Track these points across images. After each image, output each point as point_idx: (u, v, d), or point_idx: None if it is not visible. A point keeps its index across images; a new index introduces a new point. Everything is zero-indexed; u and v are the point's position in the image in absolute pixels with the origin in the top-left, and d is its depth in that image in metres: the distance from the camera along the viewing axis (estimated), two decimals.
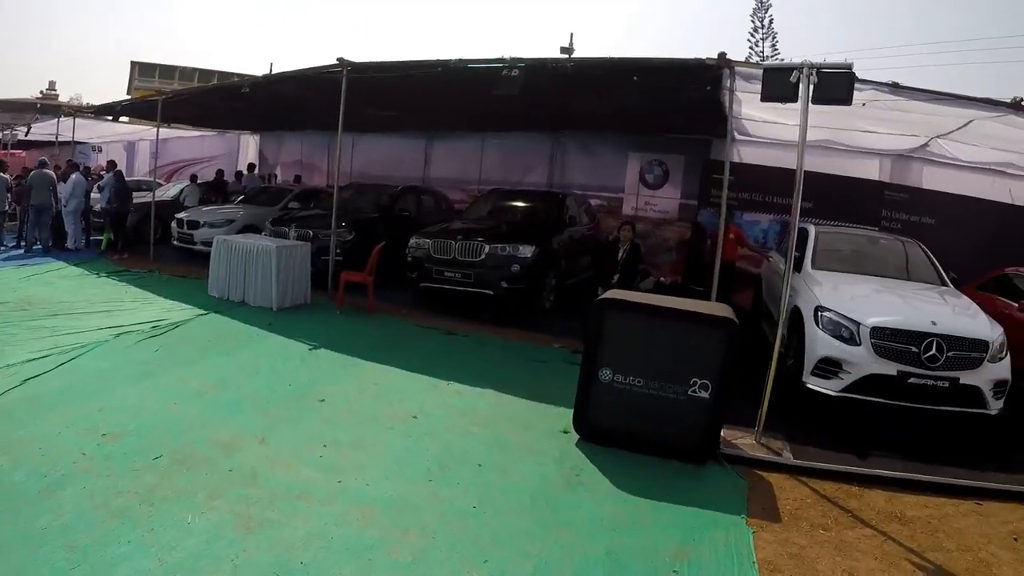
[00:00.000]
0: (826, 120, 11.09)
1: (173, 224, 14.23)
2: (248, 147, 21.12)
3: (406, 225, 12.65)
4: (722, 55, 7.76)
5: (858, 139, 12.28)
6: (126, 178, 14.91)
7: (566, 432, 5.93)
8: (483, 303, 10.31)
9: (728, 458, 5.64)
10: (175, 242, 14.13)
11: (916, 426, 6.75)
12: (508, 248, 10.07)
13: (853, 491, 5.30)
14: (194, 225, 13.76)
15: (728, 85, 8.25)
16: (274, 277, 9.65)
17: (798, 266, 8.56)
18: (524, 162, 15.70)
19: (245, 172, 18.93)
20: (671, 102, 10.79)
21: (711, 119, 11.94)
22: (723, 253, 10.87)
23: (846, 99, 5.96)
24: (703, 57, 7.89)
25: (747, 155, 13.80)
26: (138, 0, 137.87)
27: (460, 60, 9.33)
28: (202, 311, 9.31)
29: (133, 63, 56.13)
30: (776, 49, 45.41)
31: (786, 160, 13.36)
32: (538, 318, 10.40)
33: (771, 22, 45.60)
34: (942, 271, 8.70)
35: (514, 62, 8.88)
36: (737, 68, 7.83)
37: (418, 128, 16.57)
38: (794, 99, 6.10)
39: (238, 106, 14.00)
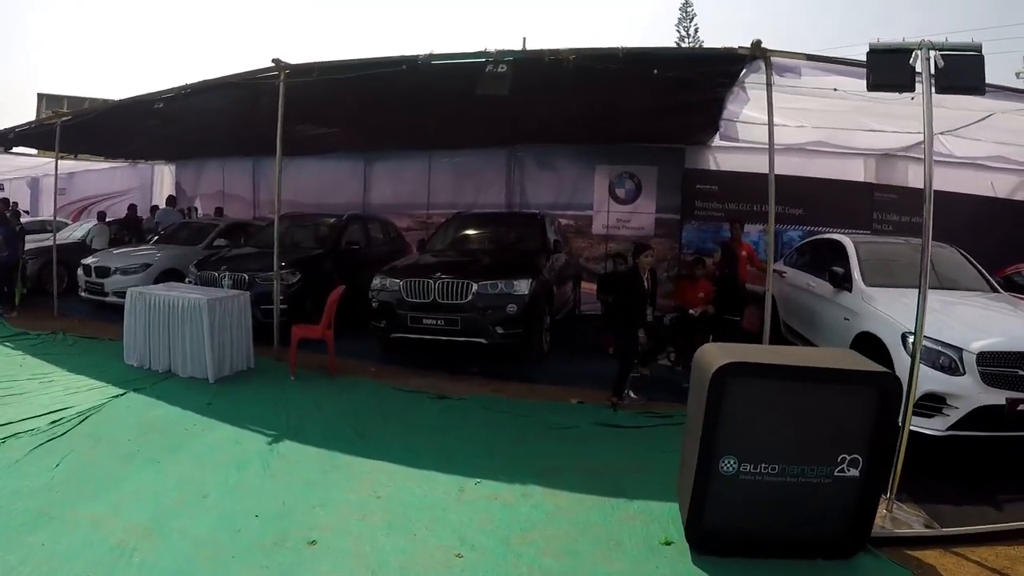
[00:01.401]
0: (827, 119, 9.84)
1: (79, 271, 11.61)
2: (163, 178, 18.14)
3: (356, 261, 10.55)
4: (756, 43, 6.34)
5: (846, 138, 11.06)
6: (28, 218, 12.81)
7: (669, 543, 4.11)
8: (469, 352, 8.26)
9: (874, 541, 4.17)
10: (83, 293, 11.53)
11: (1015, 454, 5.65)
12: (501, 285, 8.05)
13: (1014, 553, 4.18)
14: (104, 272, 11.17)
15: (743, 80, 7.30)
16: (208, 339, 7.31)
17: (838, 283, 7.54)
18: (477, 182, 13.60)
19: (161, 206, 15.90)
20: (671, 103, 9.11)
21: (701, 122, 10.44)
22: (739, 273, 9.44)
23: (978, 87, 4.76)
24: (734, 46, 6.47)
25: (725, 162, 12.37)
26: (44, 29, 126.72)
27: (432, 56, 7.33)
28: (118, 390, 6.90)
29: (40, 95, 50.66)
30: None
31: (766, 166, 12.14)
32: (534, 364, 8.48)
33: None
34: (988, 276, 7.72)
35: (501, 56, 6.88)
36: (773, 58, 6.42)
37: (355, 148, 14.28)
38: (911, 87, 4.80)
39: (152, 128, 11.48)
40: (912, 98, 7.43)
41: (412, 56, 7.31)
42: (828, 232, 10.55)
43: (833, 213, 11.72)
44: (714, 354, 4.16)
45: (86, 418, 6.08)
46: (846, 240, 8.39)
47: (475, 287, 8.01)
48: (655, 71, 6.93)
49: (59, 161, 12.15)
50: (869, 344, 6.32)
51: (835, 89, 7.05)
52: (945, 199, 11.78)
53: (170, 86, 9.01)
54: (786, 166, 11.98)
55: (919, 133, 10.47)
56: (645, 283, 7.48)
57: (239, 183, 16.20)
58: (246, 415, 6.29)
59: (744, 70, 7.13)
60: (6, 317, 10.82)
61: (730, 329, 8.32)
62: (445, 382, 7.73)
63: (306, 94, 8.54)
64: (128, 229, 14.74)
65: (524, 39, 7.20)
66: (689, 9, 44.58)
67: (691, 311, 8.33)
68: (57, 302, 11.37)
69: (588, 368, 8.38)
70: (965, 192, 11.76)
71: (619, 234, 12.65)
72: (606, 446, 5.89)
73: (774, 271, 9.82)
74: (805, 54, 6.48)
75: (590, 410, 6.81)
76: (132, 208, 15.80)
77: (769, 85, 6.58)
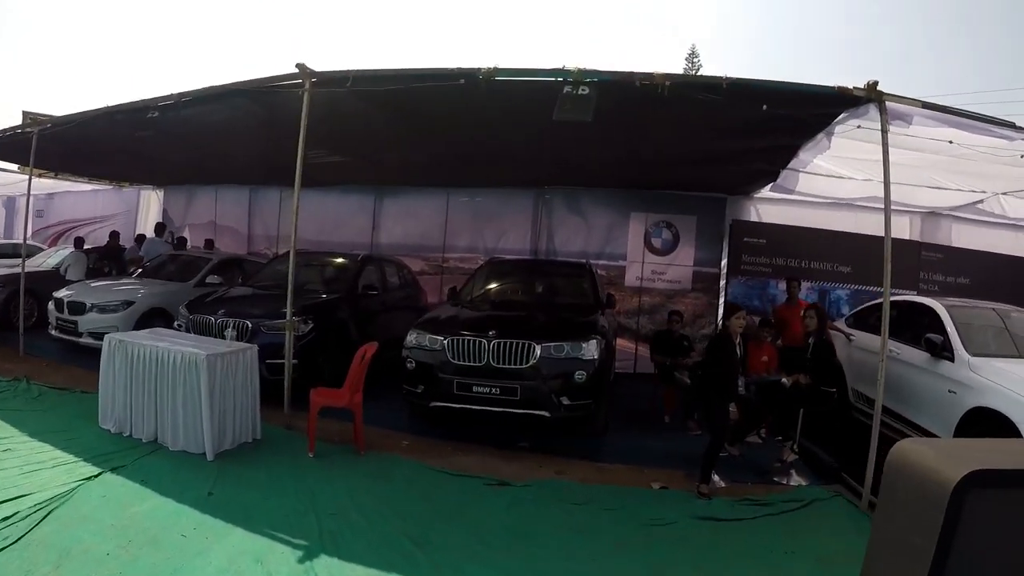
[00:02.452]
0: (895, 173, 8.79)
1: (51, 306, 9.79)
2: (150, 204, 16.08)
3: (373, 309, 9.01)
4: (872, 85, 5.57)
5: (901, 194, 9.97)
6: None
7: None
8: (520, 423, 6.70)
9: None
10: (53, 331, 9.69)
11: None
12: (567, 347, 6.53)
13: None
14: (78, 308, 9.36)
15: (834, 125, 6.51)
16: (206, 405, 5.64)
17: (936, 351, 6.85)
18: (500, 224, 12.09)
19: (150, 235, 13.61)
20: (737, 147, 7.92)
21: (760, 170, 9.19)
22: (797, 335, 8.25)
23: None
24: (849, 86, 5.61)
25: (767, 214, 11.25)
26: (33, 44, 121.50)
27: (497, 70, 5.92)
28: (92, 468, 5.17)
29: (25, 113, 47.64)
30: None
31: (813, 219, 11.03)
32: (586, 436, 7.04)
33: None
34: None
35: (582, 76, 5.61)
36: (888, 103, 5.64)
37: (365, 180, 12.49)
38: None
39: (142, 144, 9.79)
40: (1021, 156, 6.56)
41: (472, 69, 5.94)
42: (877, 289, 9.87)
43: (879, 271, 10.57)
44: (930, 455, 2.71)
45: (49, 513, 4.36)
46: (936, 304, 7.60)
47: (538, 350, 6.46)
48: (764, 107, 5.89)
49: (38, 179, 10.52)
50: (985, 420, 5.85)
51: (951, 142, 6.46)
52: (1001, 262, 11.07)
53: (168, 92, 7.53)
54: (832, 221, 11.02)
55: (973, 192, 9.73)
56: (738, 349, 6.14)
57: (232, 214, 14.38)
58: (262, 513, 4.63)
59: (844, 114, 6.18)
60: None
61: (826, 403, 6.95)
62: (496, 461, 6.24)
63: (326, 112, 7.11)
64: (108, 259, 12.86)
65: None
66: (695, 60, 44.31)
67: (784, 380, 6.96)
68: (23, 339, 9.56)
69: (650, 440, 7.29)
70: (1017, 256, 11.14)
71: (654, 287, 11.29)
72: (719, 550, 4.70)
73: (838, 331, 8.67)
74: (921, 101, 5.71)
75: (678, 498, 5.58)
76: (114, 235, 13.85)
77: (884, 132, 5.75)
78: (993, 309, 7.56)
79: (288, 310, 6.93)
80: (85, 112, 8.44)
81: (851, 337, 8.77)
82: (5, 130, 9.94)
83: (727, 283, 10.99)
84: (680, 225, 11.39)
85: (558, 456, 6.46)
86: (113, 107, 8.06)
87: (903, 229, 11.24)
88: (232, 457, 5.79)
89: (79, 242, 13.19)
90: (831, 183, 9.37)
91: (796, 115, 6.22)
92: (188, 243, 13.45)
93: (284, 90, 6.82)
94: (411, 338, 6.94)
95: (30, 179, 10.33)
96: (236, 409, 6.03)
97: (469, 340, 6.59)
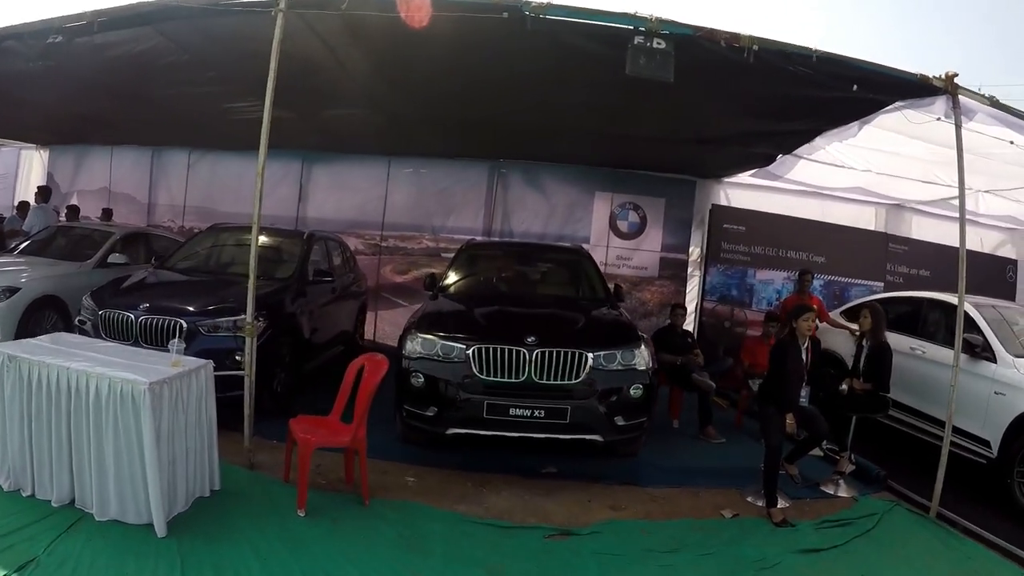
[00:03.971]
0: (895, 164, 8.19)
1: None
2: (31, 166, 12.69)
3: (323, 300, 7.19)
4: (951, 76, 4.96)
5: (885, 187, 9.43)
6: None
7: None
8: (538, 444, 5.13)
9: None
10: None
11: None
12: (619, 356, 5.12)
13: None
14: None
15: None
16: (152, 456, 3.70)
17: (976, 353, 6.22)
18: (449, 200, 10.29)
19: (33, 203, 10.58)
20: (775, 126, 6.89)
21: (755, 154, 8.40)
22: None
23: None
24: (929, 74, 4.97)
25: (736, 199, 10.26)
26: None
27: (548, 6, 4.37)
28: None
29: None
30: None
31: (781, 206, 10.18)
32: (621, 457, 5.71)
33: None
34: None
35: (658, 26, 4.38)
36: (962, 96, 5.02)
37: (291, 143, 9.76)
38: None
39: (34, 82, 7.21)
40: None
41: (517, 2, 4.38)
42: (847, 280, 10.07)
43: (850, 262, 10.13)
44: None
45: None
46: (966, 303, 6.57)
47: (590, 360, 4.98)
48: (855, 87, 4.97)
49: None
50: None
51: (1011, 142, 6.00)
52: (951, 254, 10.64)
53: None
54: (799, 208, 10.18)
55: (949, 187, 9.18)
56: (804, 355, 5.12)
57: (130, 179, 11.54)
58: None
59: (901, 103, 5.42)
60: None
61: (882, 409, 5.93)
62: (536, 498, 4.82)
63: (284, 48, 5.16)
64: None
65: None
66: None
67: (842, 387, 5.92)
68: None
69: (676, 453, 6.22)
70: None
71: (619, 273, 9.93)
72: None
73: (841, 327, 7.77)
74: (990, 99, 5.10)
75: (759, 528, 4.70)
76: None
77: (958, 127, 5.11)
78: (1015, 308, 7.28)
79: (249, 306, 4.94)
80: None
81: (855, 332, 7.90)
82: None
83: (704, 271, 9.92)
84: (648, 208, 10.14)
85: (593, 482, 5.21)
86: (1, 30, 5.70)
87: (870, 220, 10.68)
88: (192, 526, 3.84)
89: None
90: (824, 171, 8.52)
91: (853, 97, 5.19)
92: (80, 213, 10.58)
93: (248, 10, 4.84)
94: (414, 345, 5.19)
95: None
96: (189, 453, 4.10)
97: (502, 350, 4.97)
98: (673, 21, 4.44)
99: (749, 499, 5.15)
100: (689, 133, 7.68)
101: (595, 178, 10.11)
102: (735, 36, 4.51)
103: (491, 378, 4.95)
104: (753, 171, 9.24)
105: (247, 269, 6.78)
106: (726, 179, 10.16)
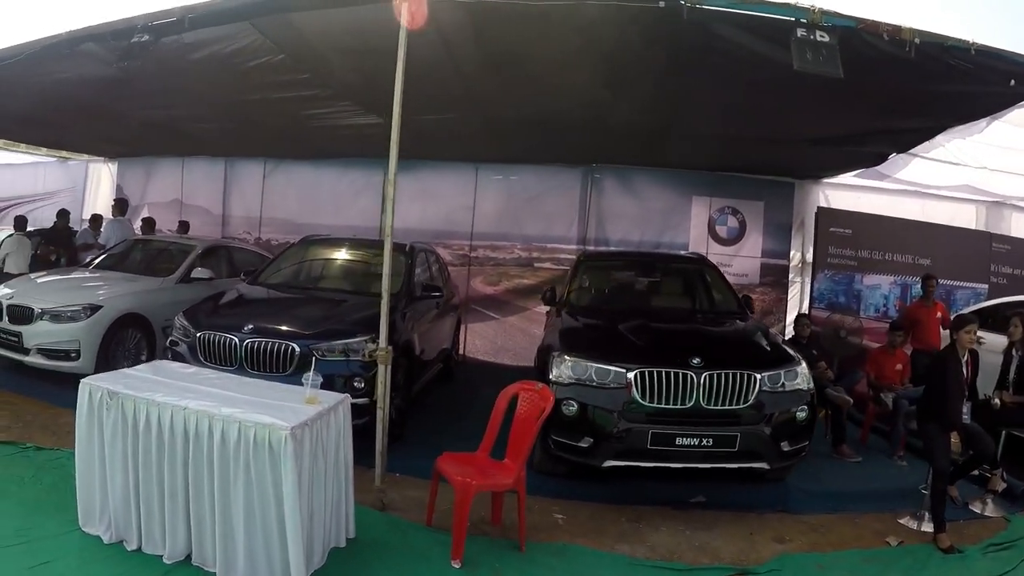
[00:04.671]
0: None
1: None
2: (99, 179, 12.22)
3: (429, 319, 6.58)
4: None
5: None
6: None
7: None
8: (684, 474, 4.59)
9: None
10: None
11: None
12: (783, 376, 4.58)
13: None
14: (21, 315, 6.21)
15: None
16: (293, 513, 3.06)
17: None
18: (540, 207, 9.52)
19: (109, 216, 10.03)
20: (902, 123, 6.32)
21: (865, 154, 7.70)
22: (931, 339, 7.16)
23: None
24: None
25: (835, 201, 9.53)
26: None
27: None
28: None
29: None
30: None
31: (881, 205, 9.46)
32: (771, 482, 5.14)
33: None
34: None
35: (820, 18, 3.97)
36: None
37: (372, 152, 8.62)
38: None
39: (107, 86, 6.51)
40: None
41: None
42: (952, 283, 9.06)
43: (954, 264, 9.18)
44: None
45: None
46: None
47: (758, 381, 4.43)
48: (1012, 82, 4.49)
49: None
50: None
51: None
52: None
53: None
54: (902, 209, 9.41)
55: None
56: (965, 369, 4.68)
57: (203, 191, 11.01)
58: None
59: None
60: None
61: None
62: (699, 533, 4.30)
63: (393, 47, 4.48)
64: (56, 244, 9.31)
65: None
66: None
67: (994, 401, 5.32)
68: None
69: (812, 472, 5.47)
70: None
71: None
72: None
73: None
74: None
75: (929, 556, 4.19)
76: (63, 215, 9.90)
77: None
78: None
79: (383, 328, 4.26)
80: (36, 41, 5.48)
81: (981, 340, 7.06)
82: None
83: (812, 278, 9.13)
84: (747, 212, 9.37)
85: (745, 511, 4.69)
86: (80, 32, 5.16)
87: (969, 218, 9.77)
88: None
89: (20, 222, 9.25)
90: (933, 169, 7.82)
91: (999, 92, 4.72)
92: (156, 226, 10.05)
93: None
94: (563, 369, 4.58)
95: None
96: (327, 501, 3.48)
97: (667, 373, 4.40)
98: (835, 13, 4.02)
99: (902, 521, 4.68)
100: (806, 132, 7.02)
101: (692, 182, 9.37)
102: (897, 28, 4.10)
103: (655, 405, 4.38)
104: (858, 171, 8.60)
105: (349, 284, 6.39)
106: (825, 180, 9.40)
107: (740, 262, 9.28)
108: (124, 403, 3.40)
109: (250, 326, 5.00)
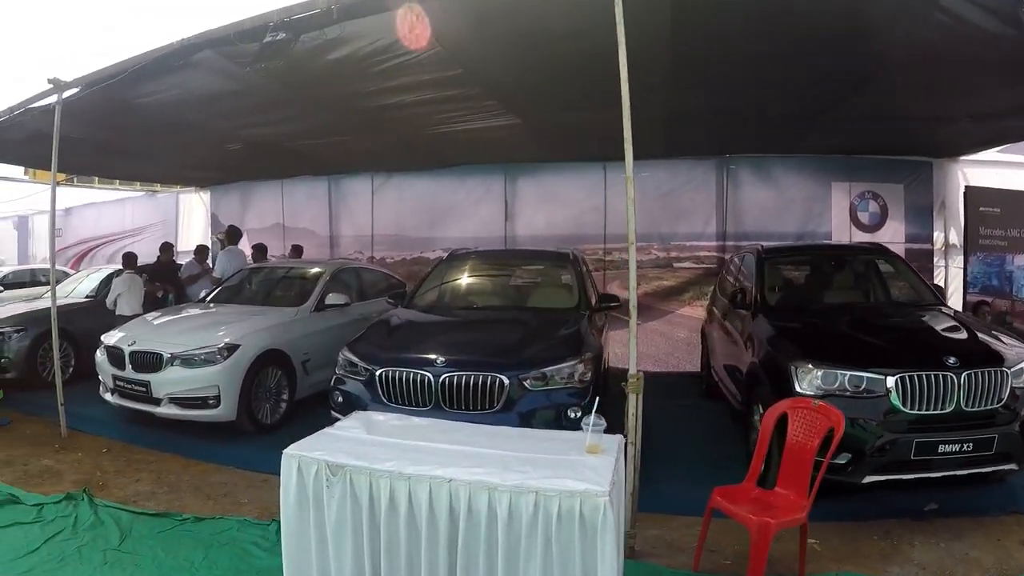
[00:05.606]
0: None
1: (100, 357, 6.04)
2: (191, 209, 11.71)
3: (602, 326, 5.85)
4: None
5: None
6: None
7: None
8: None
9: None
10: (108, 396, 5.98)
11: None
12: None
13: None
14: (148, 363, 5.60)
15: None
16: None
17: None
18: (675, 204, 8.72)
19: (219, 241, 9.55)
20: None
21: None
22: None
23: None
24: None
25: (974, 179, 8.51)
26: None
27: None
28: None
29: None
30: None
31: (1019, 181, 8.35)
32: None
33: None
34: None
35: None
36: None
37: (486, 157, 8.71)
38: None
39: (211, 109, 6.17)
40: None
41: None
42: None
43: None
44: None
45: None
46: None
47: (1008, 377, 4.00)
48: None
49: (55, 188, 6.50)
50: None
51: None
52: None
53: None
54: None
55: None
56: None
57: (306, 212, 10.40)
58: None
59: None
60: None
61: None
62: (951, 544, 3.82)
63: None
64: (162, 280, 8.77)
65: None
66: None
67: None
68: (63, 404, 5.80)
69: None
70: None
71: None
72: None
73: None
74: None
75: None
76: (166, 248, 9.31)
77: None
78: None
79: (631, 352, 3.59)
80: (144, 55, 4.88)
81: None
82: (15, 107, 6.21)
83: (965, 261, 8.22)
84: (887, 195, 8.45)
85: (980, 515, 4.19)
86: (196, 38, 4.53)
87: None
88: None
89: (130, 259, 8.25)
90: None
91: None
92: (267, 252, 9.45)
93: None
94: (811, 380, 4.09)
95: (54, 174, 6.30)
96: None
97: (929, 376, 3.94)
98: None
99: None
100: (963, 108, 6.20)
101: (829, 167, 8.46)
102: None
103: (916, 411, 3.94)
104: (1002, 147, 7.84)
105: (519, 301, 5.64)
106: (963, 157, 8.44)
107: None
108: (354, 478, 2.70)
109: (443, 359, 4.30)
